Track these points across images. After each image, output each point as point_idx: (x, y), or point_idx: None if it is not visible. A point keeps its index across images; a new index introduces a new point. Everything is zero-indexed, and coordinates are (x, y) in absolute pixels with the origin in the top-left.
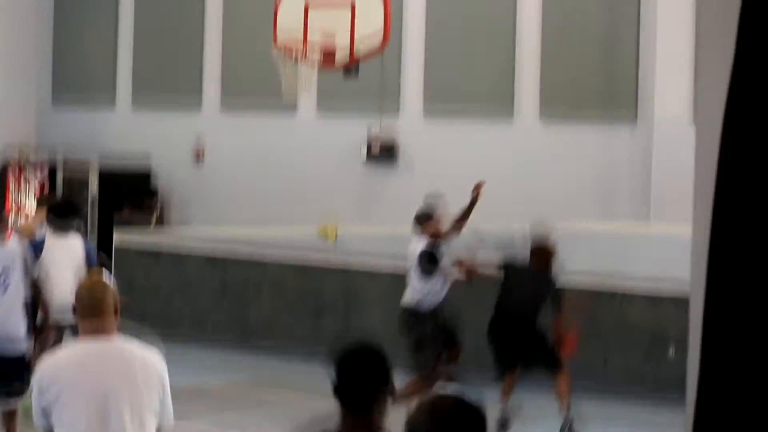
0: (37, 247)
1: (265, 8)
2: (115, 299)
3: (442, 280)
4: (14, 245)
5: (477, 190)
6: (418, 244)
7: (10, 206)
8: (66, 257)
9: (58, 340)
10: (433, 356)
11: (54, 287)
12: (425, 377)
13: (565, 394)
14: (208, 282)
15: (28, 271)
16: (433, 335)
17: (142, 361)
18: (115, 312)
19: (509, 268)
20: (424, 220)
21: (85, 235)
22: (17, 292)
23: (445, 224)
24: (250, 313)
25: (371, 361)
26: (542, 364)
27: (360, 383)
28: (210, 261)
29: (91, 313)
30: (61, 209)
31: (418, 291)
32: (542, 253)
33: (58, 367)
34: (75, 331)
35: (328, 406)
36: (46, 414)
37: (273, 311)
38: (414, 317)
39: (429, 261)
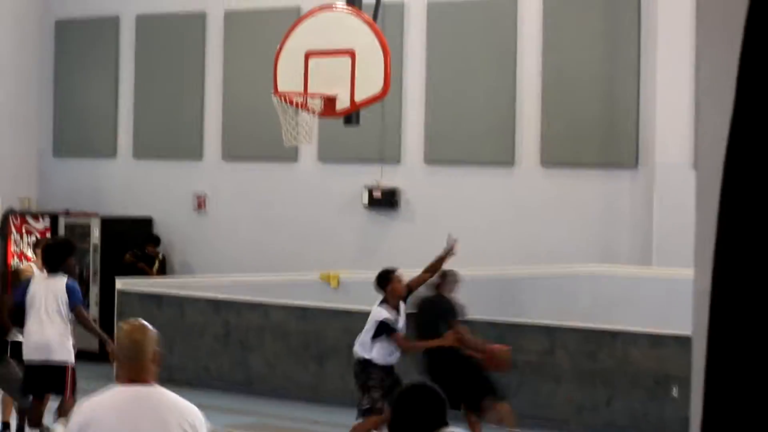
0: (24, 288)
1: (265, 57)
2: (155, 346)
3: (394, 347)
4: None
5: (450, 247)
6: (379, 308)
7: (12, 256)
8: (47, 296)
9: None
10: (380, 397)
11: (29, 326)
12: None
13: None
14: (211, 327)
15: None
16: (380, 384)
17: (178, 410)
18: (154, 359)
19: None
20: (384, 282)
21: (80, 276)
22: None
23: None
24: (253, 358)
25: (428, 399)
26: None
27: (417, 420)
28: (213, 306)
29: (130, 358)
30: (51, 248)
31: (368, 349)
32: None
33: (96, 411)
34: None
35: None
36: None
37: (276, 356)
38: (365, 366)
39: (385, 332)
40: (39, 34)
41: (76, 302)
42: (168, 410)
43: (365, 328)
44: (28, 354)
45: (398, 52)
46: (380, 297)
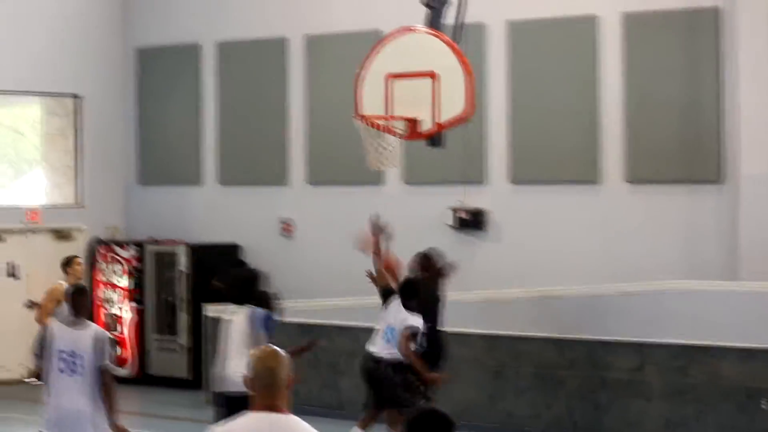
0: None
1: (348, 80)
2: (288, 372)
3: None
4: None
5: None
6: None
7: (100, 286)
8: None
9: None
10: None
11: None
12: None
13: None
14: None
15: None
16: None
17: None
18: (287, 385)
19: None
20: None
21: (168, 304)
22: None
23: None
24: (342, 382)
25: (440, 426)
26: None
27: None
28: (303, 331)
29: (265, 385)
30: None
31: (386, 350)
32: None
33: None
34: None
35: None
36: None
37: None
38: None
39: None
40: (122, 62)
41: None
42: None
43: (391, 328)
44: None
45: (480, 73)
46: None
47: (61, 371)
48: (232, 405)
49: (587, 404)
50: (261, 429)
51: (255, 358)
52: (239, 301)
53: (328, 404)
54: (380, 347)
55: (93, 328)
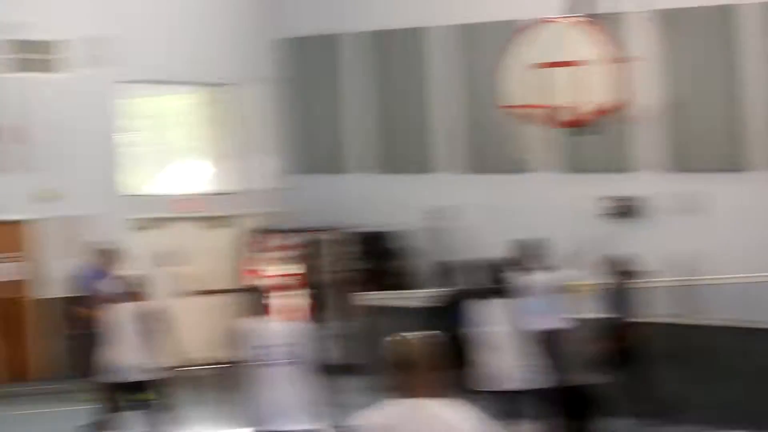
0: None
1: (497, 69)
2: (431, 356)
3: None
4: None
5: None
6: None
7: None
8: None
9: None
10: None
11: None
12: None
13: None
14: None
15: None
16: None
17: (451, 426)
18: (432, 370)
19: None
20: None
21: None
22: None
23: None
24: None
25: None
26: None
27: None
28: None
29: (402, 369)
30: None
31: None
32: None
33: (378, 427)
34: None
35: None
36: None
37: None
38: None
39: None
40: (280, 51)
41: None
42: (443, 425)
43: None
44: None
45: (632, 61)
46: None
47: (269, 365)
48: (508, 401)
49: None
50: (402, 415)
51: (395, 345)
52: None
53: None
54: None
55: (295, 322)
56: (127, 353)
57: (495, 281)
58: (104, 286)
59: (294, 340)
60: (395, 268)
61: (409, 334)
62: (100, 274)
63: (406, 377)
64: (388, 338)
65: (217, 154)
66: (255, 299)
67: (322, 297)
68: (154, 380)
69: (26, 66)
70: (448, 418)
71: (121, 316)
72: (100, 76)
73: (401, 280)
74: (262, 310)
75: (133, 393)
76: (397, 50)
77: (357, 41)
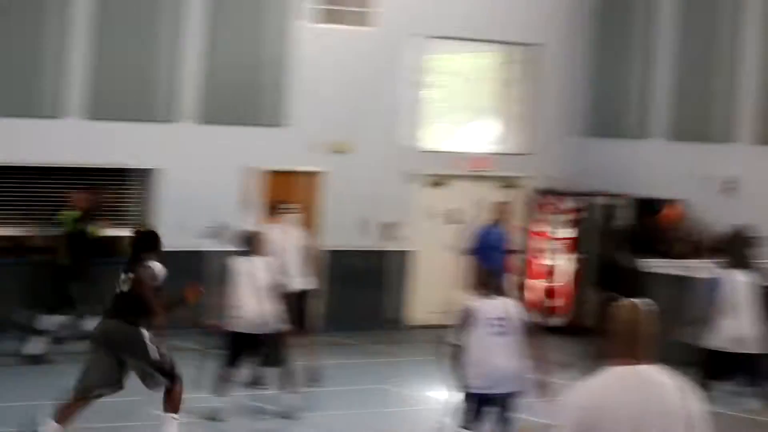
0: None
1: None
2: (652, 325)
3: None
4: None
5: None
6: None
7: (537, 235)
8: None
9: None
10: None
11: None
12: None
13: None
14: None
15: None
16: None
17: (676, 390)
18: (650, 339)
19: None
20: None
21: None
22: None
23: None
24: None
25: None
26: None
27: None
28: None
29: (626, 337)
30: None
31: None
32: None
33: (595, 393)
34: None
35: None
36: None
37: None
38: None
39: None
40: (578, 11)
41: None
42: (667, 390)
43: None
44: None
45: None
46: None
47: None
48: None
49: None
50: (623, 382)
51: (619, 310)
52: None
53: None
54: None
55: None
56: None
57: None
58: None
59: (512, 316)
60: (673, 236)
61: (632, 300)
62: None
63: (629, 343)
64: (614, 303)
65: (514, 113)
66: (486, 276)
67: (589, 263)
68: None
69: (336, 18)
70: (667, 385)
71: None
72: (406, 30)
73: (679, 249)
74: (492, 285)
75: None
76: (707, 10)
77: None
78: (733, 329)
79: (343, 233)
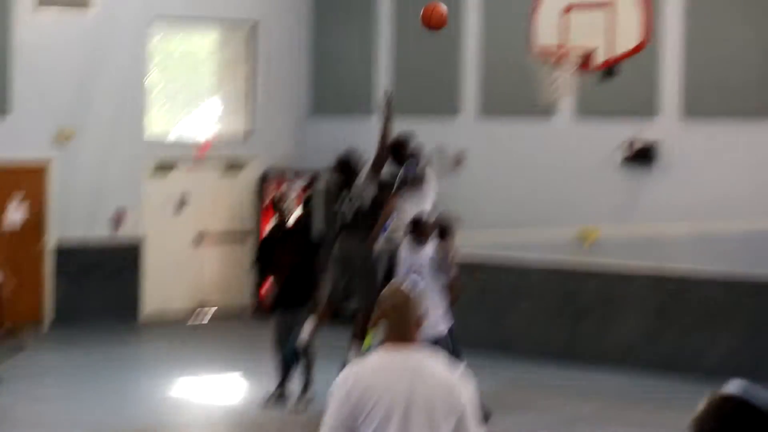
0: None
1: (524, 12)
2: (419, 308)
3: None
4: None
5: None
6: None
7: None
8: None
9: None
10: None
11: None
12: None
13: None
14: (467, 287)
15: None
16: None
17: (438, 379)
18: (417, 323)
19: None
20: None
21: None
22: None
23: None
24: (508, 318)
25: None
26: None
27: None
28: (466, 266)
29: (394, 321)
30: None
31: None
32: None
33: (364, 375)
34: None
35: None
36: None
37: (531, 316)
38: None
39: None
40: None
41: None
42: (431, 376)
43: None
44: None
45: (655, 2)
46: None
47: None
48: None
49: (753, 345)
50: (392, 364)
51: (385, 296)
52: None
53: (495, 339)
54: None
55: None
56: None
57: None
58: None
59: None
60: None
61: (397, 286)
62: None
63: (396, 326)
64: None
65: (235, 93)
66: None
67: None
68: None
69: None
70: (437, 369)
71: None
72: (126, 10)
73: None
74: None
75: None
76: None
77: None
78: None
79: (72, 225)
